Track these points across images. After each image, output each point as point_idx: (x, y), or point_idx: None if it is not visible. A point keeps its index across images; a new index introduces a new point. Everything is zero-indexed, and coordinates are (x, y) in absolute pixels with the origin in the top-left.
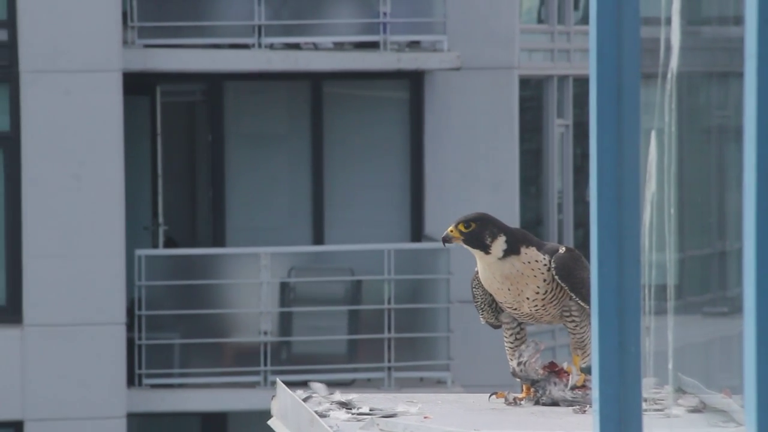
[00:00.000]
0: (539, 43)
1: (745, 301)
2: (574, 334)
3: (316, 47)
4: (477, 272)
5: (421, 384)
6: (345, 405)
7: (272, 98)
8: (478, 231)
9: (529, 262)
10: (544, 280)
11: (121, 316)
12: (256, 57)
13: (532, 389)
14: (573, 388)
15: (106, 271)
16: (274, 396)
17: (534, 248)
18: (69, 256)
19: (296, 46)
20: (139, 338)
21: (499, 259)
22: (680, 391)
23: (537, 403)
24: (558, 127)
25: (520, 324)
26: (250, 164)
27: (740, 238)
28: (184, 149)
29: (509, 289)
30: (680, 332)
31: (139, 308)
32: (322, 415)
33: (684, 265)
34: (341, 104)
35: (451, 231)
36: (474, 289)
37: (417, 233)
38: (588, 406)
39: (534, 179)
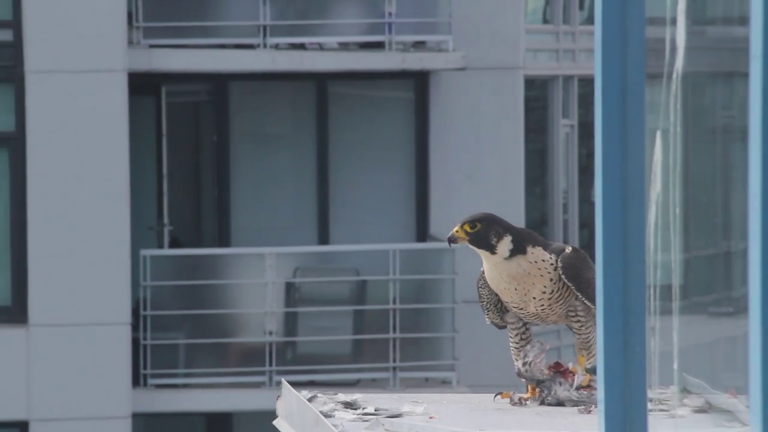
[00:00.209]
0: (544, 43)
1: (750, 301)
2: (579, 334)
3: (321, 47)
4: (483, 272)
5: (426, 384)
6: (350, 405)
7: (277, 98)
8: (484, 231)
9: (535, 262)
10: (551, 280)
11: (127, 316)
12: (261, 57)
13: (537, 389)
14: (578, 388)
15: (111, 272)
16: (279, 396)
17: (540, 248)
18: (74, 256)
19: (301, 47)
20: (144, 338)
21: (506, 259)
22: (685, 391)
23: (542, 403)
24: (563, 127)
25: (525, 324)
26: (255, 164)
27: (745, 238)
28: (189, 149)
29: (516, 289)
30: (685, 332)
31: (144, 308)
32: (327, 416)
33: (689, 265)
34: (346, 104)
35: (457, 231)
36: (480, 289)
37: (422, 233)
38: (593, 406)
39: (539, 179)
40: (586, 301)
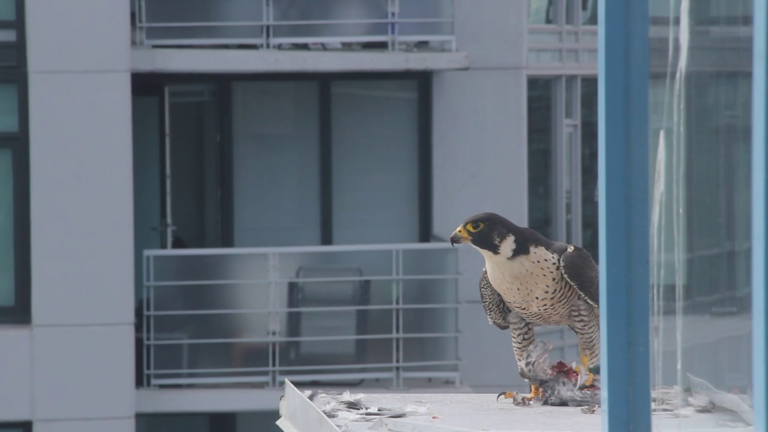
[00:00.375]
0: (547, 43)
1: (753, 301)
2: (582, 334)
3: (324, 47)
4: (485, 272)
5: (429, 384)
6: (353, 405)
7: (280, 98)
8: (487, 231)
9: (538, 261)
10: (553, 279)
11: (130, 316)
12: (264, 57)
13: (540, 389)
14: (582, 387)
15: (114, 272)
16: (282, 396)
17: (542, 247)
18: (77, 256)
19: (304, 47)
20: (148, 338)
21: (508, 258)
22: (689, 391)
23: (546, 403)
24: (566, 127)
25: (527, 324)
26: (259, 164)
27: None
28: (193, 150)
29: (518, 289)
30: (689, 332)
31: (148, 308)
32: (330, 415)
33: (693, 265)
34: (349, 104)
35: (460, 231)
36: (482, 289)
37: (425, 233)
38: (597, 405)
39: (542, 179)
40: (588, 301)
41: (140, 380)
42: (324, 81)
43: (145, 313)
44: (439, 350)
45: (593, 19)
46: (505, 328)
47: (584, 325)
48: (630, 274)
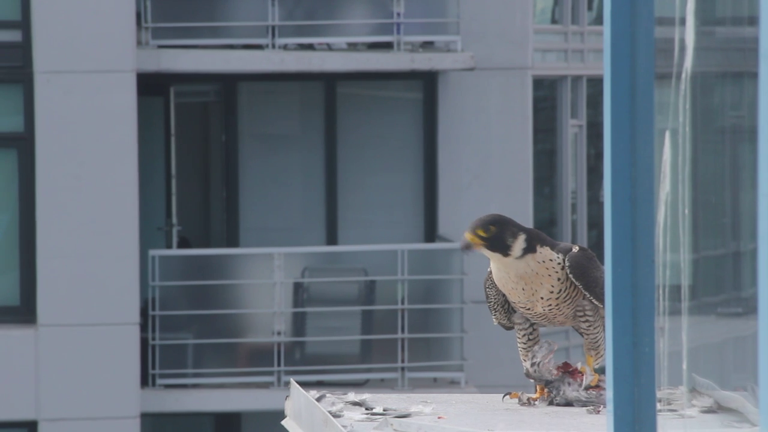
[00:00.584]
0: (553, 43)
1: (759, 301)
2: (587, 334)
3: (329, 48)
4: (490, 272)
5: (434, 384)
6: (359, 405)
7: (286, 99)
8: (500, 233)
9: (543, 261)
10: (558, 279)
11: (135, 316)
12: (269, 57)
13: (546, 390)
14: (587, 388)
15: (119, 272)
16: (287, 396)
17: (547, 247)
18: (83, 256)
19: (310, 47)
20: (153, 338)
21: (515, 258)
22: (694, 391)
23: (551, 403)
24: (572, 128)
25: (532, 325)
26: (264, 165)
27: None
28: (198, 150)
29: (523, 289)
30: (694, 333)
31: (153, 308)
32: (335, 416)
33: (698, 265)
34: (355, 105)
35: (471, 238)
36: (487, 290)
37: (430, 233)
38: (602, 406)
39: (547, 180)
40: (594, 301)
41: (145, 380)
42: (329, 81)
43: (151, 313)
44: (444, 350)
45: (599, 20)
46: (511, 328)
47: (589, 326)
48: (635, 275)
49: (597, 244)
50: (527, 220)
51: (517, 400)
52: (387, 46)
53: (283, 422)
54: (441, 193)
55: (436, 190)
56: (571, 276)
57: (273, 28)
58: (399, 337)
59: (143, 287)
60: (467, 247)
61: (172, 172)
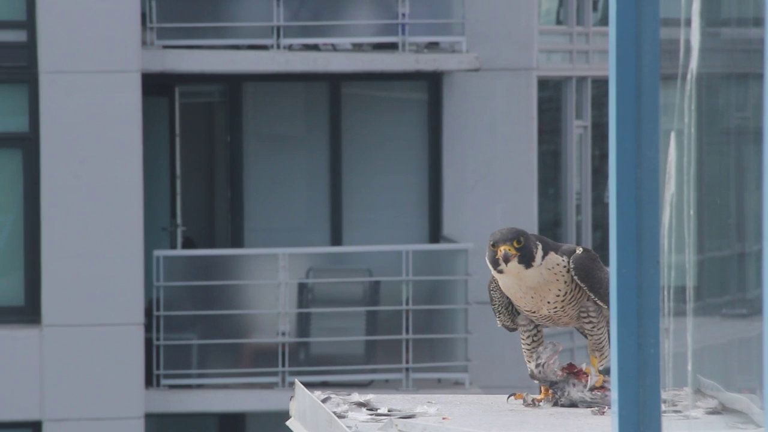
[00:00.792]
0: (558, 44)
1: (764, 302)
2: (591, 335)
3: (334, 48)
4: (493, 275)
5: (439, 385)
6: (363, 406)
7: (290, 99)
8: (527, 244)
9: (551, 268)
10: (565, 282)
11: (140, 316)
12: (274, 58)
13: (550, 391)
14: (592, 389)
15: (124, 272)
16: (292, 396)
17: (552, 251)
18: (87, 256)
19: (315, 47)
20: (157, 339)
21: (527, 269)
22: (699, 392)
23: (556, 404)
24: (576, 129)
25: (537, 326)
26: (269, 165)
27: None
28: (203, 150)
29: (532, 297)
30: (699, 334)
31: (157, 309)
32: (340, 416)
33: (703, 266)
34: (359, 105)
35: (509, 249)
36: (492, 292)
37: (435, 234)
38: (607, 407)
39: (552, 181)
40: (598, 302)
41: (150, 380)
42: (334, 82)
43: (155, 313)
44: (448, 351)
45: (604, 21)
46: (514, 330)
47: (593, 327)
48: (640, 276)
49: (602, 245)
50: (532, 221)
51: (521, 401)
52: (392, 46)
53: (287, 423)
54: (446, 194)
55: (440, 191)
56: (576, 278)
57: (278, 28)
58: (403, 337)
59: (148, 287)
60: (508, 258)
61: (177, 172)
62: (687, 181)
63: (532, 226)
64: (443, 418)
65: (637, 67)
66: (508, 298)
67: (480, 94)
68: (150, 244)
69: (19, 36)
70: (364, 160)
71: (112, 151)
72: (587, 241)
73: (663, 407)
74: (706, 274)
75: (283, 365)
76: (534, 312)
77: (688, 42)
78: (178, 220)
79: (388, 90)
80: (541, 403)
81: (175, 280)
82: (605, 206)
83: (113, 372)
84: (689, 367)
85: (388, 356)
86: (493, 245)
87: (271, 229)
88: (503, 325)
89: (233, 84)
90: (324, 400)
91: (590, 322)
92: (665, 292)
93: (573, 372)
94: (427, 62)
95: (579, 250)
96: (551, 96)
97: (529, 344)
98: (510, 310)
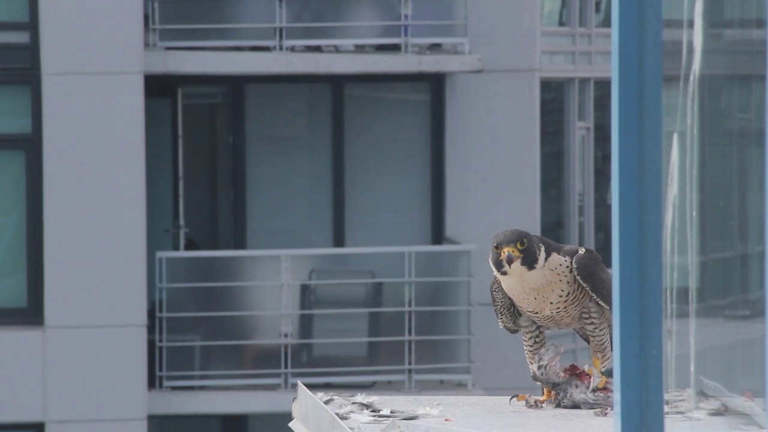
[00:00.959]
0: (560, 45)
1: (767, 304)
2: (593, 336)
3: (337, 50)
4: (496, 276)
5: (441, 387)
6: (366, 407)
7: (293, 101)
8: (530, 246)
9: (554, 269)
10: (567, 283)
11: (142, 318)
12: (277, 59)
13: (553, 392)
14: (594, 390)
15: (127, 273)
16: (295, 398)
17: (554, 252)
18: (90, 258)
19: (317, 49)
20: (160, 340)
21: (530, 271)
22: (702, 394)
23: (558, 405)
24: (579, 130)
25: (539, 328)
26: (271, 166)
27: (762, 241)
28: (205, 151)
29: (535, 298)
30: (702, 335)
31: (160, 310)
32: (342, 418)
33: (706, 267)
34: (362, 107)
35: (513, 251)
36: (494, 293)
37: (438, 236)
38: (609, 408)
39: (555, 182)
40: (600, 302)
41: (152, 382)
42: (337, 83)
43: (158, 314)
44: (451, 353)
45: (606, 22)
46: (516, 332)
47: (595, 328)
48: (643, 277)
49: (604, 246)
50: (535, 222)
51: (524, 402)
52: (394, 48)
53: (290, 424)
54: (448, 195)
55: (443, 192)
56: (578, 278)
57: (280, 30)
58: (406, 339)
59: (150, 289)
60: (511, 260)
61: (180, 173)
62: (689, 182)
63: (534, 228)
64: (446, 420)
65: (640, 68)
66: (510, 299)
67: (483, 95)
68: (153, 246)
69: (22, 37)
70: (366, 162)
71: (115, 153)
72: (590, 242)
73: (666, 409)
74: (709, 275)
75: (286, 367)
76: (536, 313)
77: (690, 43)
78: (181, 221)
79: (391, 91)
80: (543, 405)
81: (178, 281)
82: (608, 208)
83: (116, 373)
84: (692, 369)
85: (391, 358)
86: (497, 247)
87: (273, 231)
88: (505, 326)
89: (236, 85)
90: (327, 402)
91: (592, 323)
92: (668, 294)
93: (575, 373)
94: (429, 64)
95: (581, 251)
96: (554, 97)
97: (531, 346)
98: (512, 311)
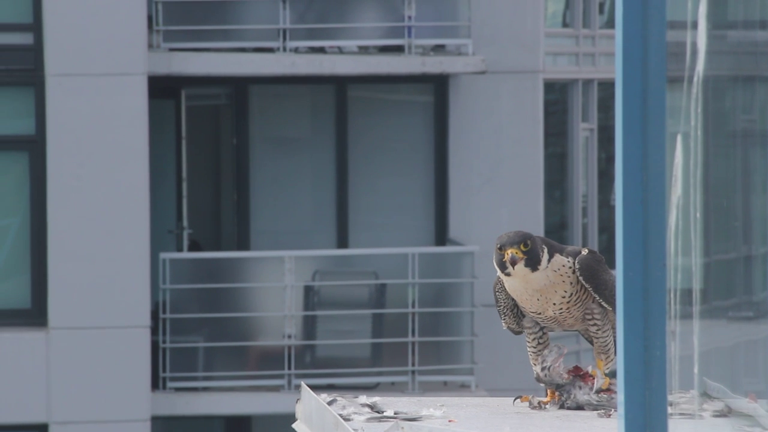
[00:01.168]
0: (564, 46)
1: None
2: (597, 338)
3: (340, 51)
4: (499, 277)
5: (444, 388)
6: (369, 408)
7: (297, 102)
8: (534, 247)
9: (557, 270)
10: (571, 284)
11: (146, 319)
12: (280, 60)
13: (556, 393)
14: (598, 391)
15: (130, 275)
16: (298, 399)
17: (557, 253)
18: (94, 259)
19: (321, 50)
20: (164, 341)
21: (534, 272)
22: (706, 395)
23: (562, 407)
24: (583, 131)
25: (542, 329)
26: (275, 168)
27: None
28: (209, 153)
29: (538, 299)
30: (705, 336)
31: (164, 311)
32: (346, 419)
33: (709, 269)
34: (366, 108)
35: (516, 252)
36: (497, 294)
37: (441, 237)
38: (613, 409)
39: (558, 183)
40: (603, 303)
41: (156, 383)
42: (340, 84)
43: (161, 316)
44: (454, 354)
45: (610, 23)
46: (519, 333)
47: (598, 329)
48: (647, 278)
49: (608, 247)
50: (538, 223)
51: (527, 403)
52: (398, 49)
53: (293, 425)
54: (452, 197)
55: (446, 194)
56: (581, 278)
57: (284, 31)
58: (409, 340)
59: (154, 290)
60: (515, 261)
61: (183, 175)
62: (693, 183)
63: (538, 229)
64: (449, 421)
65: (644, 69)
66: (513, 300)
67: (486, 96)
68: (156, 247)
69: (25, 39)
70: (370, 163)
71: (119, 154)
72: (593, 243)
73: (669, 410)
74: (713, 276)
75: (289, 368)
76: (539, 314)
77: (694, 45)
78: (185, 222)
79: (394, 93)
80: (547, 406)
81: (182, 282)
82: (611, 209)
83: (119, 375)
84: (695, 370)
85: (394, 359)
86: (500, 248)
87: (277, 232)
88: (508, 327)
89: (239, 86)
90: (330, 403)
91: (595, 324)
92: (671, 295)
93: (579, 375)
94: (433, 65)
95: (584, 252)
96: (557, 99)
97: (534, 347)
98: (515, 312)
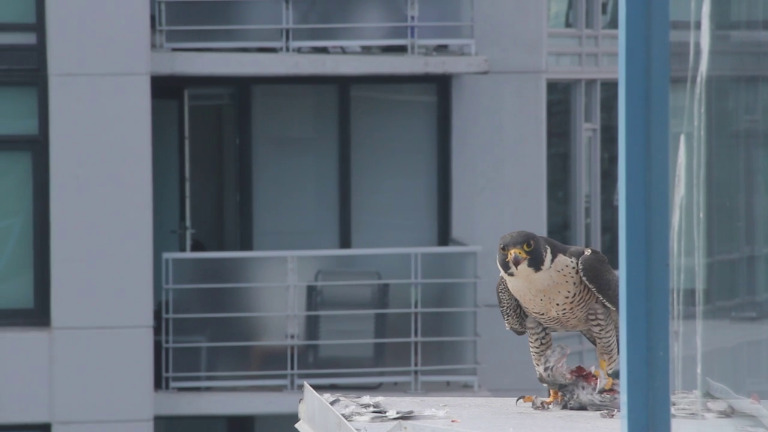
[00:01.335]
0: (567, 47)
1: None
2: (600, 338)
3: (343, 51)
4: (502, 276)
5: (447, 388)
6: (372, 408)
7: (300, 102)
8: (537, 247)
9: (560, 270)
10: (574, 284)
11: (149, 319)
12: (283, 61)
13: (559, 393)
14: (601, 392)
15: (133, 275)
16: (301, 399)
17: (560, 254)
18: (97, 259)
19: (324, 50)
20: (167, 341)
21: (537, 272)
22: (709, 395)
23: (565, 407)
24: (585, 132)
25: (545, 329)
26: (278, 168)
27: None
28: (212, 153)
29: (541, 300)
30: (709, 337)
31: (167, 311)
32: (349, 419)
33: (712, 269)
34: (368, 108)
35: (520, 252)
36: (500, 294)
37: (444, 237)
38: (616, 410)
39: (561, 183)
40: (606, 303)
41: (159, 383)
42: (343, 84)
43: (164, 316)
44: (457, 354)
45: (613, 23)
46: (522, 333)
47: (601, 330)
48: (650, 279)
49: (611, 248)
50: (541, 223)
51: (530, 403)
52: (401, 49)
53: (296, 425)
54: (454, 197)
55: (449, 194)
56: (584, 279)
57: (287, 31)
58: (412, 340)
59: (157, 290)
60: (518, 261)
61: (186, 175)
62: (696, 184)
63: (541, 229)
64: (452, 421)
65: (647, 69)
66: (516, 300)
67: (489, 96)
68: (159, 247)
69: (28, 38)
70: (373, 163)
71: (121, 154)
72: (596, 244)
73: (672, 410)
74: (716, 277)
75: (292, 368)
76: (542, 314)
77: (697, 45)
78: (188, 222)
79: (397, 93)
80: (550, 406)
81: (184, 282)
82: (614, 209)
83: (122, 374)
84: (698, 370)
85: (397, 359)
86: (504, 248)
87: (280, 232)
88: (511, 327)
89: (242, 86)
90: (333, 403)
91: (598, 325)
92: (674, 295)
93: (582, 375)
94: (436, 65)
95: (587, 252)
96: (560, 99)
97: (537, 347)
98: (518, 312)
